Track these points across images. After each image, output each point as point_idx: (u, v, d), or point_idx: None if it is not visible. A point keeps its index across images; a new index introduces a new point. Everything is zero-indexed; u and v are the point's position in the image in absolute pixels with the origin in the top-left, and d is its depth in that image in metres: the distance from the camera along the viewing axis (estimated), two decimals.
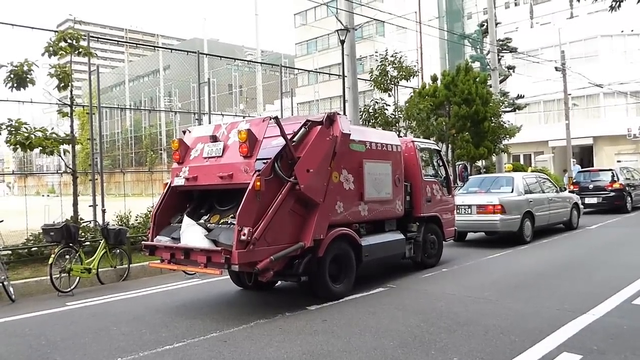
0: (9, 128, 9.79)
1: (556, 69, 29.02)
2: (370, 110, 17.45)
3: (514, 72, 30.94)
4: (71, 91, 10.70)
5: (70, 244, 8.62)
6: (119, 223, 11.32)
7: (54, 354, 5.29)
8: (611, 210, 18.71)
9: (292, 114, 18.41)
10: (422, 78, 25.99)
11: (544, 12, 41.15)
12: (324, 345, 5.20)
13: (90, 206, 11.11)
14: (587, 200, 18.63)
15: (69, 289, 8.37)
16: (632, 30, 34.23)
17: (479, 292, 7.37)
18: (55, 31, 10.75)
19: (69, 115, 10.90)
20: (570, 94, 30.30)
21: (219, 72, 43.07)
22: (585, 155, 37.35)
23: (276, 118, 6.67)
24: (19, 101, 10.77)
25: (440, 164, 10.67)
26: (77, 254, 8.69)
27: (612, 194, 18.92)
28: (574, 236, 13.61)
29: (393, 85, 18.09)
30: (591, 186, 19.52)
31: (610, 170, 20.22)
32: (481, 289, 7.63)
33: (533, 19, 41.87)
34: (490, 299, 6.99)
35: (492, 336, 5.31)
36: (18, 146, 9.93)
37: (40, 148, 10.07)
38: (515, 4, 45.29)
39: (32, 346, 5.60)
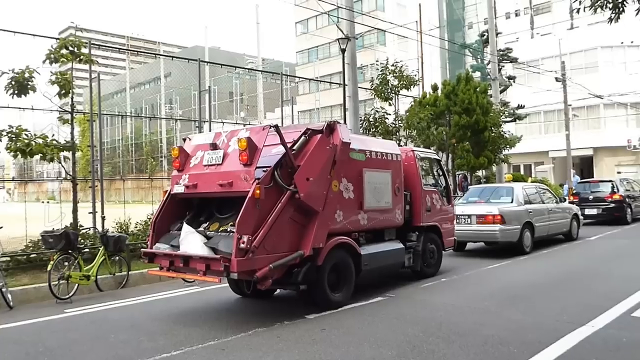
0: (9, 135, 9.81)
1: (556, 79, 29.11)
2: (371, 119, 17.49)
3: (514, 82, 31.03)
4: (72, 98, 10.72)
5: (70, 251, 8.62)
6: (119, 230, 11.32)
7: None
8: (611, 222, 18.66)
9: (293, 122, 18.45)
10: (423, 87, 26.07)
11: (544, 22, 41.35)
12: (322, 355, 5.18)
13: (89, 213, 11.11)
14: (587, 212, 18.59)
15: (68, 296, 8.35)
16: (632, 42, 34.40)
17: (478, 303, 7.35)
18: (56, 38, 10.80)
19: (70, 122, 10.92)
20: (570, 105, 30.38)
21: (220, 80, 43.23)
22: (585, 166, 37.39)
23: (276, 126, 6.69)
24: (19, 108, 10.79)
25: (440, 173, 10.68)
26: (76, 261, 8.69)
27: (612, 205, 18.88)
28: (574, 247, 13.59)
29: (394, 94, 18.14)
30: (591, 197, 19.48)
31: (610, 181, 20.21)
32: (480, 299, 7.61)
33: (534, 30, 42.05)
34: (490, 309, 6.98)
35: (490, 347, 5.29)
36: (18, 153, 9.95)
37: (40, 155, 10.09)
38: (516, 15, 45.49)
39: (30, 353, 5.58)
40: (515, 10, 45.81)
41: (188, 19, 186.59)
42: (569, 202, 17.26)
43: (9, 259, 9.58)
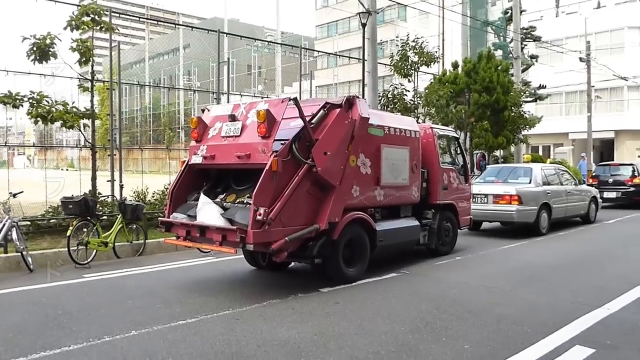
0: (30, 100, 9.90)
1: (581, 59, 28.49)
2: (390, 96, 17.33)
3: (536, 61, 30.42)
4: (92, 66, 10.75)
5: (88, 218, 8.75)
6: (136, 199, 11.43)
7: (69, 323, 5.38)
8: (630, 206, 18.45)
9: (311, 97, 18.36)
10: (443, 64, 25.70)
11: (570, 1, 40.33)
12: (335, 327, 5.23)
13: (108, 181, 11.22)
14: (606, 195, 18.38)
15: (86, 262, 8.50)
16: None
17: (492, 282, 7.34)
18: (78, 5, 10.78)
19: (90, 90, 10.96)
20: (593, 86, 29.79)
21: (239, 52, 43.07)
22: (606, 149, 36.83)
23: (295, 99, 6.64)
24: (40, 74, 10.85)
25: (459, 151, 10.59)
26: (95, 228, 8.82)
27: (632, 189, 18.65)
28: (591, 230, 13.48)
29: (413, 71, 17.92)
30: (611, 180, 19.26)
31: (631, 164, 19.91)
32: (495, 278, 7.60)
33: (559, 8, 41.07)
34: (504, 289, 6.96)
35: (504, 326, 5.29)
36: (39, 119, 10.04)
37: (60, 122, 10.17)
38: None
39: (49, 315, 5.71)
40: None
41: None
42: (588, 185, 17.07)
43: (29, 223, 9.74)
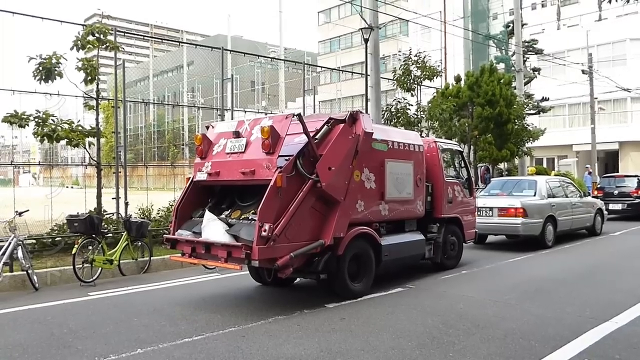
0: (36, 120, 9.97)
1: (583, 72, 28.55)
2: (393, 110, 17.40)
3: (539, 74, 30.51)
4: (97, 84, 10.84)
5: (94, 235, 8.76)
6: (141, 216, 11.45)
7: (75, 342, 5.38)
8: (636, 217, 18.36)
9: (314, 112, 18.43)
10: (446, 78, 25.78)
11: (571, 14, 40.47)
12: (341, 344, 5.20)
13: (113, 198, 11.25)
14: (612, 207, 18.32)
15: (91, 279, 8.50)
16: None
17: (498, 296, 7.30)
18: (83, 25, 10.92)
19: (95, 108, 11.04)
20: (596, 98, 29.81)
21: (242, 69, 43.30)
22: (610, 161, 36.73)
23: (299, 115, 6.68)
24: (46, 93, 10.95)
25: (463, 165, 10.59)
26: (100, 245, 8.83)
27: (637, 200, 18.58)
28: (597, 242, 13.41)
29: (416, 85, 17.99)
30: (616, 192, 19.19)
31: (636, 176, 19.85)
32: (501, 292, 7.56)
33: (560, 21, 41.23)
34: (510, 302, 6.92)
35: (511, 340, 5.26)
36: (45, 138, 10.11)
37: (66, 140, 10.24)
38: (542, 5, 44.62)
39: (54, 334, 5.70)
40: (542, 1, 44.94)
41: (211, 8, 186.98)
42: (593, 197, 17.01)
43: (34, 241, 9.76)
